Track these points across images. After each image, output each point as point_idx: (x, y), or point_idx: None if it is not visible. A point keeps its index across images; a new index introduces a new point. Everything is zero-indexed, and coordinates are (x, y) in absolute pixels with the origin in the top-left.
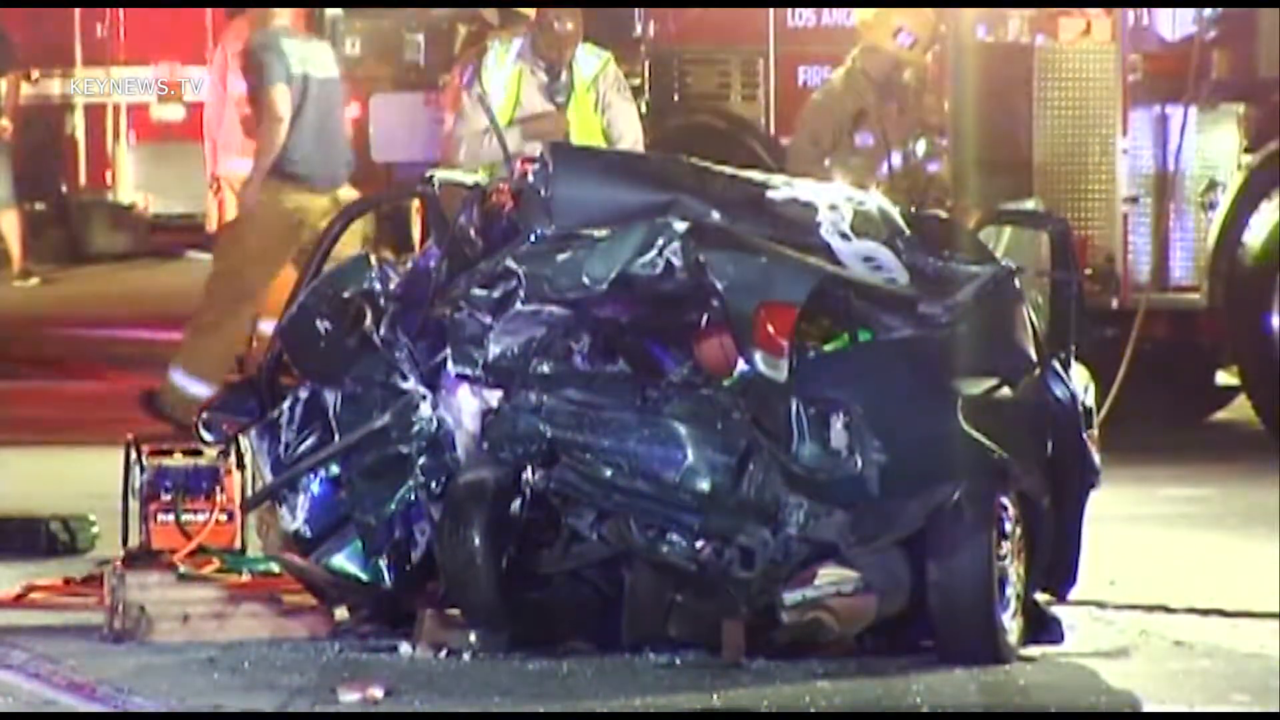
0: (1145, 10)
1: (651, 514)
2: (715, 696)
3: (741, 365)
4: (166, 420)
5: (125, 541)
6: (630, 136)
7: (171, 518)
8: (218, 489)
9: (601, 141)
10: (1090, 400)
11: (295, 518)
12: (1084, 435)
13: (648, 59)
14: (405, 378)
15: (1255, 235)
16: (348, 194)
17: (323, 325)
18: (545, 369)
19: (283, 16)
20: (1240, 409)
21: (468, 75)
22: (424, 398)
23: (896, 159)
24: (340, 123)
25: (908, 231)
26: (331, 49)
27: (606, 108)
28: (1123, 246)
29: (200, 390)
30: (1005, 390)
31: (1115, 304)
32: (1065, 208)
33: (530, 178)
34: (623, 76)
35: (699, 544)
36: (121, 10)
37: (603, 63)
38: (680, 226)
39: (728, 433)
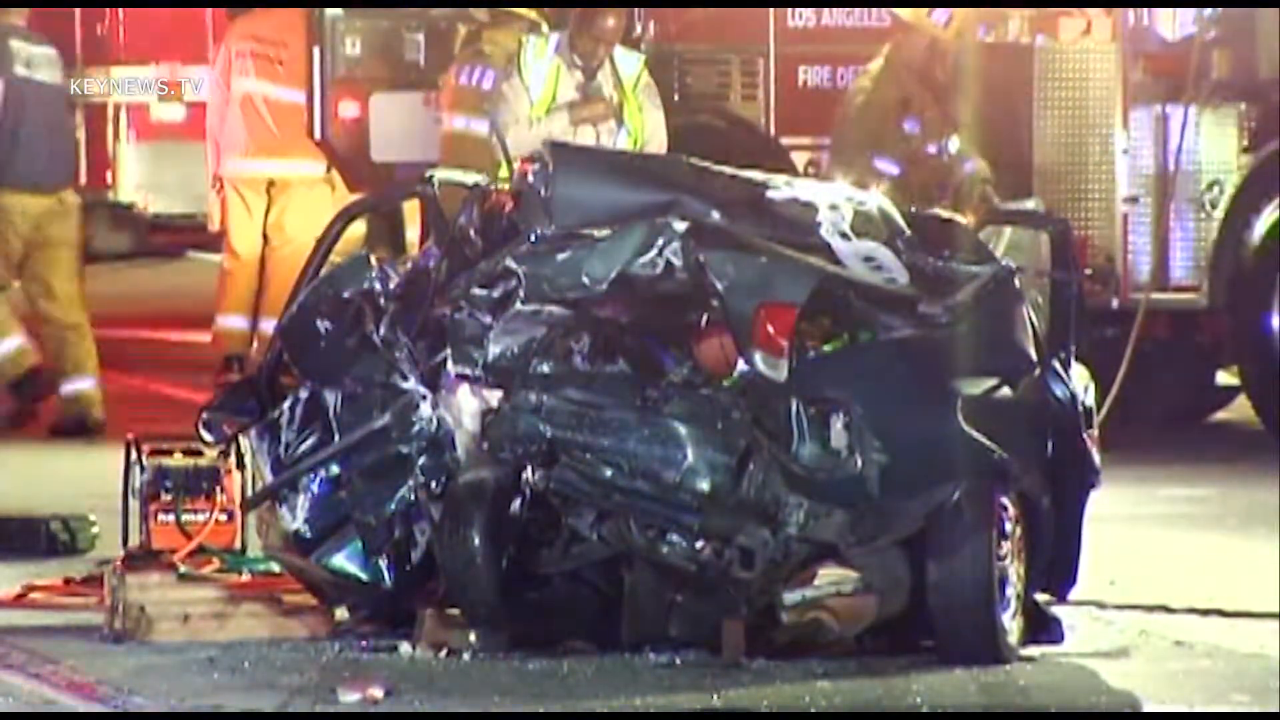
0: (1145, 10)
1: (651, 514)
2: (715, 696)
3: (741, 365)
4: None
5: (125, 541)
6: (656, 142)
7: (171, 518)
8: (218, 489)
9: (644, 141)
10: (1090, 400)
11: (295, 518)
12: (1084, 435)
13: (648, 59)
14: (405, 378)
15: (1255, 235)
16: (71, 196)
17: (323, 325)
18: (545, 369)
19: (17, 16)
20: (1240, 409)
21: (474, 71)
22: (424, 398)
23: (933, 148)
24: (63, 126)
25: (908, 231)
26: (58, 55)
27: (638, 110)
28: (1123, 246)
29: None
30: (1005, 390)
31: (1115, 304)
32: (1065, 208)
33: (530, 178)
34: (652, 81)
35: (699, 544)
36: (121, 10)
37: (641, 65)
38: (680, 226)
39: (728, 433)
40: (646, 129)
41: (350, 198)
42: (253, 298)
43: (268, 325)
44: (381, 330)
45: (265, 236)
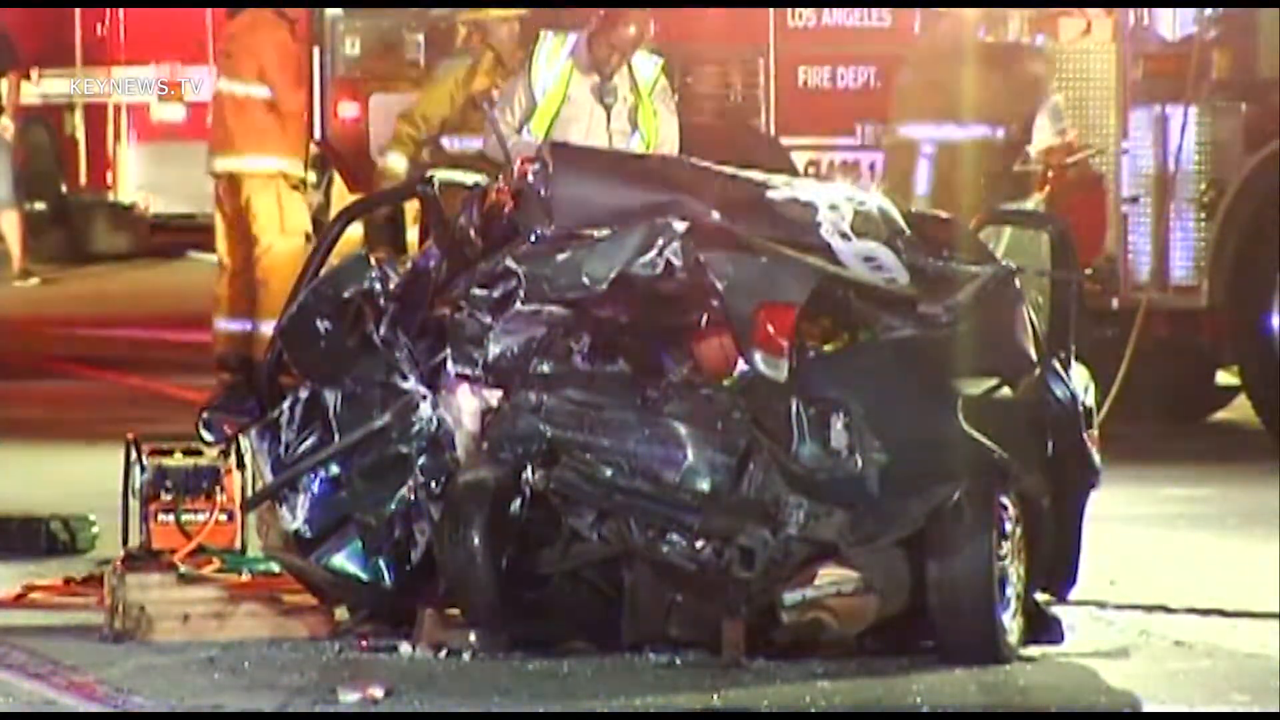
0: (1145, 10)
1: (651, 514)
2: (715, 696)
3: (741, 365)
4: None
5: (125, 541)
6: (668, 146)
7: (171, 518)
8: (218, 489)
9: (657, 146)
10: (1090, 400)
11: (295, 518)
12: (1084, 435)
13: (664, 63)
14: (405, 378)
15: (1255, 235)
16: None
17: (323, 325)
18: (545, 369)
19: None
20: (1240, 409)
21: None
22: (424, 398)
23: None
24: None
25: (908, 231)
26: None
27: (653, 115)
28: (1123, 246)
29: None
30: (1005, 390)
31: (1115, 304)
32: None
33: (530, 178)
34: (669, 85)
35: (699, 544)
36: (121, 10)
37: (658, 69)
38: (680, 226)
39: (728, 433)
40: (660, 134)
41: (351, 198)
42: (248, 298)
43: (268, 326)
44: (381, 330)
45: (246, 236)
